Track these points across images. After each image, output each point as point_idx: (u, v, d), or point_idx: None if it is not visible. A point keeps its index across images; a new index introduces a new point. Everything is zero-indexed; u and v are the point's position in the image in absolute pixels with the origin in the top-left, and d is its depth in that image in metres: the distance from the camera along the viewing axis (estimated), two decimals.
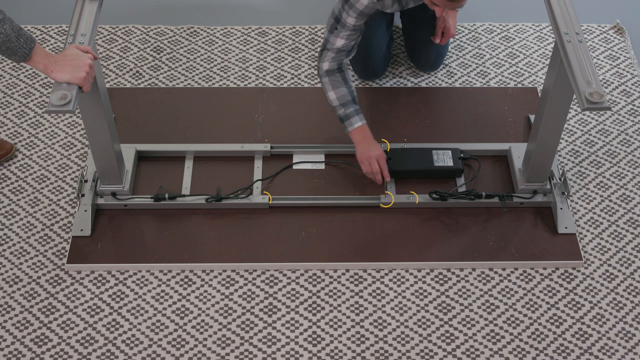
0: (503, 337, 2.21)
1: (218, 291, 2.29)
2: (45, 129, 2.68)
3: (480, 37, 3.02)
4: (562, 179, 2.44)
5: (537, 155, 2.35)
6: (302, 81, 2.85)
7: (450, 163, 2.51)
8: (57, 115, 2.72)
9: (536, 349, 2.18)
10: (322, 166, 2.58)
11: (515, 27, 3.07)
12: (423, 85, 2.85)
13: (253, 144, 2.59)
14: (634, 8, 3.17)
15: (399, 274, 2.33)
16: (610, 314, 2.25)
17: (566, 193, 2.43)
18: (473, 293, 2.30)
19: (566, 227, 2.40)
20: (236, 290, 2.29)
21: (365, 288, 2.30)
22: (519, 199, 2.45)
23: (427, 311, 2.26)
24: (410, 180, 2.51)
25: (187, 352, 2.16)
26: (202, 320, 2.23)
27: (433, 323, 2.23)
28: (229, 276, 2.32)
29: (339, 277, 2.33)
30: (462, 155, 2.54)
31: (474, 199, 2.43)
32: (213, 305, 2.26)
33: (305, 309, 2.26)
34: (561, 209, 2.42)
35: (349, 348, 2.18)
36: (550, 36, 3.03)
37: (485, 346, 2.19)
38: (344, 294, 2.29)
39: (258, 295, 2.28)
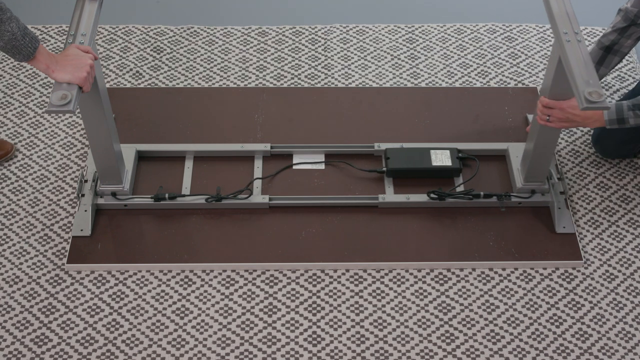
0: (503, 337, 2.20)
1: (218, 291, 2.29)
2: (45, 129, 2.68)
3: (483, 38, 3.02)
4: (560, 178, 2.44)
5: (536, 155, 2.35)
6: (302, 81, 2.85)
7: (448, 162, 2.51)
8: (57, 115, 2.72)
9: (536, 349, 2.18)
10: (322, 166, 2.58)
11: (519, 27, 3.07)
12: (423, 86, 2.85)
13: (253, 144, 2.59)
14: None
15: (399, 274, 2.33)
16: (610, 314, 2.25)
17: (565, 193, 2.43)
18: (473, 293, 2.30)
19: (564, 227, 2.40)
20: (236, 290, 2.29)
21: (365, 288, 2.30)
22: (518, 198, 2.45)
23: (427, 311, 2.25)
24: (410, 180, 2.51)
25: (187, 352, 2.16)
26: (202, 320, 2.23)
27: (433, 323, 2.23)
28: (229, 276, 2.32)
29: (339, 277, 2.33)
30: (460, 154, 2.54)
31: (472, 198, 2.43)
32: (213, 305, 2.26)
33: (305, 309, 2.26)
34: (559, 208, 2.42)
35: (349, 348, 2.18)
36: (553, 37, 3.03)
37: (485, 346, 2.19)
38: (344, 294, 2.29)
39: (258, 295, 2.28)
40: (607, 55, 2.44)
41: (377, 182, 2.52)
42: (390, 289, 2.30)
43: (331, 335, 2.20)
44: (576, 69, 2.00)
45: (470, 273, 2.34)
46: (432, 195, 2.44)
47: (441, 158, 2.51)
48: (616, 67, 2.83)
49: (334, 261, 2.34)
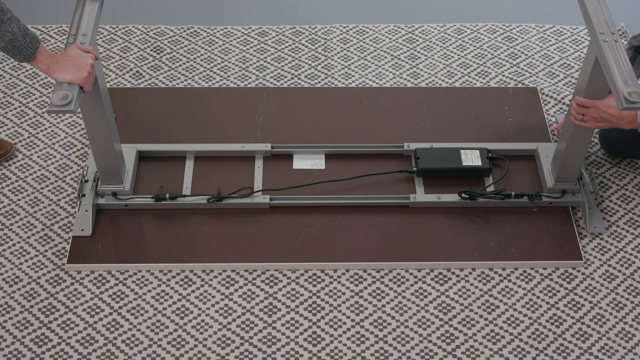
0: (503, 337, 2.21)
1: (218, 291, 2.29)
2: (45, 129, 2.68)
3: (483, 38, 3.03)
4: (591, 178, 2.44)
5: (568, 155, 2.33)
6: (302, 81, 2.86)
7: (478, 162, 2.50)
8: (57, 115, 2.72)
9: (536, 349, 2.18)
10: (322, 166, 2.58)
11: (519, 27, 3.07)
12: (423, 86, 2.85)
13: (254, 144, 2.60)
14: (638, 11, 3.17)
15: (399, 273, 2.33)
16: (610, 314, 2.26)
17: (595, 193, 2.42)
18: (473, 293, 2.30)
19: (595, 227, 2.41)
20: (236, 290, 2.29)
21: (365, 288, 2.30)
22: (548, 198, 2.44)
23: (427, 311, 2.26)
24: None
25: (187, 352, 2.16)
26: (202, 320, 2.23)
27: (433, 323, 2.23)
28: (229, 276, 2.32)
29: (339, 277, 2.33)
30: (489, 154, 2.53)
31: (504, 198, 2.42)
32: (213, 305, 2.26)
33: (305, 309, 2.26)
34: (590, 208, 2.42)
35: (349, 348, 2.18)
36: (553, 37, 3.04)
37: (485, 346, 2.19)
38: (344, 294, 2.29)
39: (258, 295, 2.28)
40: (638, 55, 2.42)
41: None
42: (390, 289, 2.30)
43: (331, 335, 2.20)
44: (615, 70, 1.98)
45: (470, 273, 2.34)
46: (464, 195, 2.43)
47: (471, 158, 2.51)
48: None
49: (333, 261, 2.34)
